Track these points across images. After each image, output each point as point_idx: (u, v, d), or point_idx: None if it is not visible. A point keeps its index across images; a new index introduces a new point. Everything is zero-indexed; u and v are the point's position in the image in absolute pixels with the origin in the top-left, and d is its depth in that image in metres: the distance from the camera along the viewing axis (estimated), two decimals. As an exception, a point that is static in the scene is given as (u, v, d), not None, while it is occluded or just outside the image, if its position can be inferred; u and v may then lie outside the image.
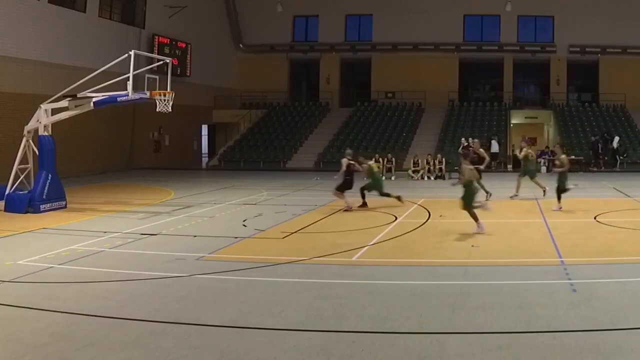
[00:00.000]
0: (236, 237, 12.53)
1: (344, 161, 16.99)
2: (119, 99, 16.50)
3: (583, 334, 6.60)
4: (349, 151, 17.86)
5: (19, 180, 16.95)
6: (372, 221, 14.42)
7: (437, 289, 8.54)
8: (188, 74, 36.01)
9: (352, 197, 16.72)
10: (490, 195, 17.71)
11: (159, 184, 24.12)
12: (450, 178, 24.47)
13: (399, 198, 17.08)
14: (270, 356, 6.12)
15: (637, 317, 7.08)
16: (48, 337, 6.64)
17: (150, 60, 24.42)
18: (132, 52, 16.25)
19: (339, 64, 42.34)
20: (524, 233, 12.92)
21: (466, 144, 25.00)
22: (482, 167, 18.18)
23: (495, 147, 31.95)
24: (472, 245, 11.45)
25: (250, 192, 20.89)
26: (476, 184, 14.11)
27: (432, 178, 26.89)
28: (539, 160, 32.04)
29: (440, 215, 15.24)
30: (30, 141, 17.09)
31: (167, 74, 17.48)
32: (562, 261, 10.10)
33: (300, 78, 44.84)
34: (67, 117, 17.21)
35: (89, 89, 16.74)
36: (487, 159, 19.72)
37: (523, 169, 19.45)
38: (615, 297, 7.94)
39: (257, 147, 35.81)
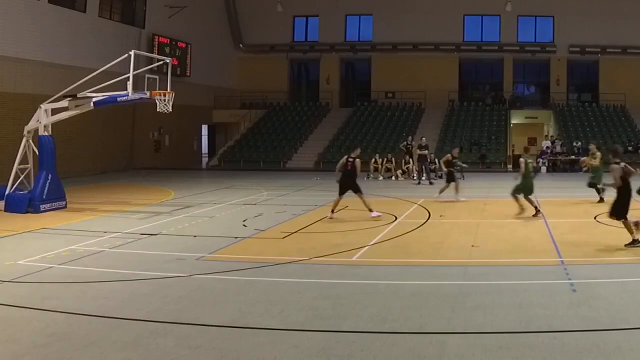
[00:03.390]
0: (236, 237, 12.53)
1: None
2: (119, 99, 16.49)
3: (583, 334, 6.60)
4: None
5: (19, 180, 16.94)
6: (372, 221, 14.41)
7: (437, 289, 8.54)
8: (188, 74, 36.00)
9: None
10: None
11: (159, 184, 24.12)
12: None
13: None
14: (270, 356, 6.12)
15: (637, 317, 7.08)
16: (48, 337, 6.64)
17: (150, 60, 24.41)
18: (132, 52, 16.25)
19: (339, 64, 42.35)
20: (524, 233, 12.92)
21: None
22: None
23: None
24: (472, 245, 11.46)
25: (250, 192, 20.89)
26: None
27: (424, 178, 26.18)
28: (538, 160, 32.12)
29: (441, 215, 15.24)
30: (30, 141, 17.09)
31: (167, 74, 17.49)
32: (562, 261, 10.10)
33: (300, 78, 44.87)
34: (67, 117, 17.21)
35: (89, 89, 16.73)
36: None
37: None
38: (615, 297, 7.94)
39: (257, 147, 35.82)
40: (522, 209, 15.02)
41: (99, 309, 7.62)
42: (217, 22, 39.89)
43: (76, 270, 9.73)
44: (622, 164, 11.23)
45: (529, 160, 15.57)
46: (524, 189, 15.21)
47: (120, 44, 28.20)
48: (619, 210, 11.08)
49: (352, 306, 7.72)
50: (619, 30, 37.20)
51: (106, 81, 16.60)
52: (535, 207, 14.97)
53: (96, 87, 16.58)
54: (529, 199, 15.21)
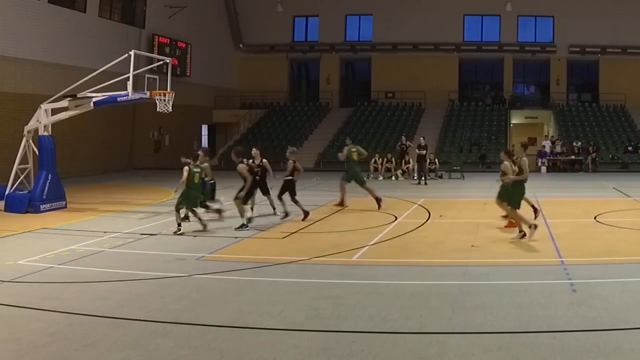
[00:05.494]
0: (236, 237, 12.54)
1: None
2: (119, 99, 16.50)
3: (583, 334, 6.60)
4: None
5: (19, 180, 16.94)
6: (372, 221, 14.42)
7: (437, 289, 8.54)
8: (188, 74, 35.99)
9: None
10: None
11: (159, 184, 24.10)
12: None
13: None
14: (270, 356, 6.12)
15: (637, 317, 7.08)
16: (48, 337, 6.64)
17: (150, 60, 24.40)
18: (132, 52, 16.25)
19: (339, 64, 42.35)
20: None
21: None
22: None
23: None
24: (472, 245, 11.46)
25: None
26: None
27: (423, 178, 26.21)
28: (537, 160, 32.08)
29: (440, 215, 15.24)
30: (30, 141, 17.09)
31: (167, 74, 17.49)
32: (562, 261, 10.10)
33: (300, 78, 44.87)
34: (67, 117, 17.20)
35: (89, 89, 16.74)
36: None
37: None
38: (615, 297, 7.94)
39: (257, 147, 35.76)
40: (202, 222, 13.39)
41: (99, 309, 7.62)
42: (217, 22, 39.88)
43: (76, 270, 9.73)
44: (246, 161, 13.83)
45: (195, 170, 13.55)
46: (185, 200, 13.31)
47: (120, 44, 28.19)
48: (244, 196, 13.91)
49: (352, 306, 7.72)
50: (619, 30, 37.18)
51: (106, 81, 16.60)
52: (201, 221, 13.33)
53: (96, 87, 16.59)
54: (194, 210, 13.56)
